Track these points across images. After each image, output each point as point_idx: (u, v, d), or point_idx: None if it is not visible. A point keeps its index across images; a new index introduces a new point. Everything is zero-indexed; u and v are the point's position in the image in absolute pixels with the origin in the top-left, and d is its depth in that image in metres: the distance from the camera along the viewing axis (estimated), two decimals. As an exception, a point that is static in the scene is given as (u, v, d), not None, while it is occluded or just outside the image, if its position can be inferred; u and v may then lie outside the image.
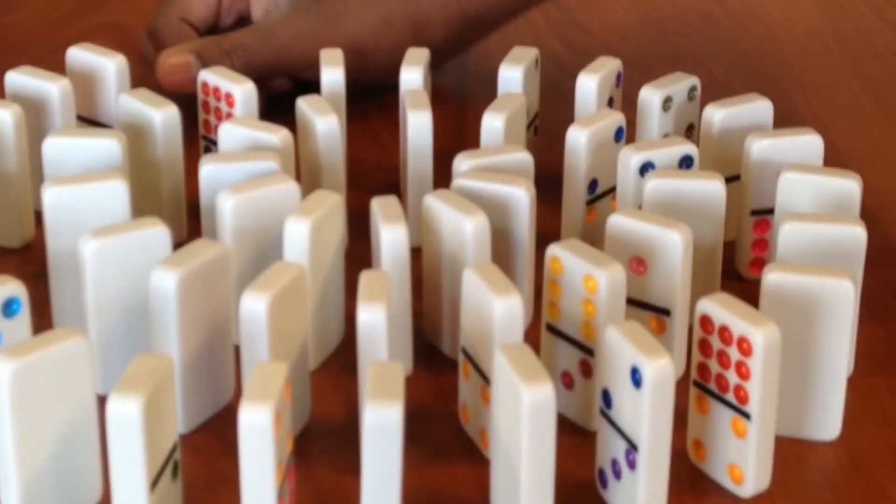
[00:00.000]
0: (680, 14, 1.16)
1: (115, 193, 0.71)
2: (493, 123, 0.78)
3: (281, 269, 0.64)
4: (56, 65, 1.06)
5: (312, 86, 0.87)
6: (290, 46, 0.90)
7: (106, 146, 0.75)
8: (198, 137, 0.86)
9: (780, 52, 1.09)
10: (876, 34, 1.12)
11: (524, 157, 0.75)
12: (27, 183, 0.80)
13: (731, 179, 0.77)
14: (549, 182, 0.81)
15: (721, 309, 0.61)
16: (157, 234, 0.67)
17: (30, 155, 0.80)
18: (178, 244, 0.67)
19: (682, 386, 0.63)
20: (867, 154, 0.93)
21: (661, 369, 0.57)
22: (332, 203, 0.70)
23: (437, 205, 0.69)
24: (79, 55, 0.85)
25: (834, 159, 0.79)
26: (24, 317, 0.63)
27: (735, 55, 1.08)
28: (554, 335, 0.67)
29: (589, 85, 0.82)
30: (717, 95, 0.81)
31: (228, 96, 0.82)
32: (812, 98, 1.01)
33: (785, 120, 0.83)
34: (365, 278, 0.63)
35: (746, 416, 0.61)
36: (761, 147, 0.75)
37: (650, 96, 0.81)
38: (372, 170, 0.89)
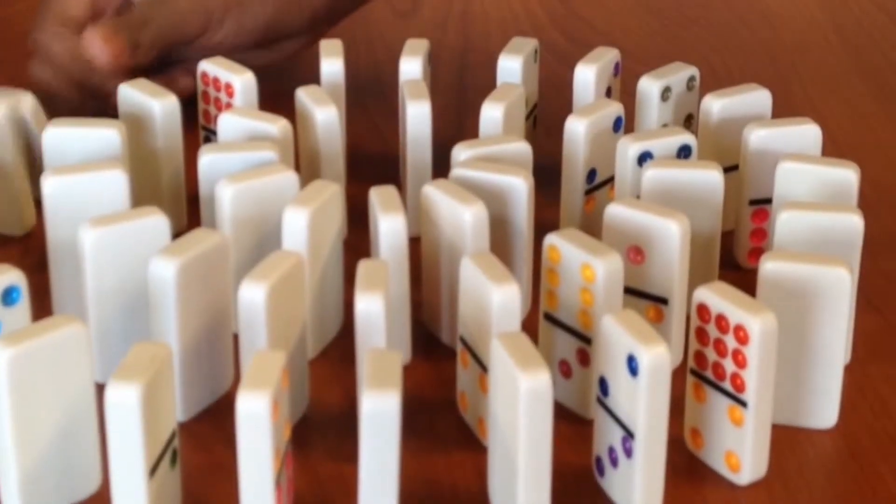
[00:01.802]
0: (679, 4, 1.16)
1: (115, 183, 0.71)
2: (491, 113, 0.78)
3: (279, 258, 0.64)
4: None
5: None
6: (187, 12, 0.90)
7: (105, 136, 0.75)
8: (197, 127, 0.86)
9: (778, 42, 1.09)
10: (875, 25, 1.12)
11: (523, 147, 0.75)
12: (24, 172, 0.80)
13: (729, 169, 0.77)
14: (547, 172, 0.81)
15: (718, 297, 0.61)
16: (156, 223, 0.67)
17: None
18: (177, 233, 0.68)
19: (679, 374, 0.64)
20: (865, 144, 0.93)
21: (657, 357, 0.57)
22: (330, 192, 0.70)
23: (436, 194, 0.70)
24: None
25: (832, 149, 0.79)
26: (23, 305, 0.63)
27: (734, 45, 1.08)
28: (552, 324, 0.67)
29: (587, 75, 0.82)
30: (716, 86, 0.82)
31: (228, 86, 0.82)
32: (810, 89, 1.01)
33: (783, 110, 0.83)
34: (363, 267, 0.63)
35: (743, 404, 0.61)
36: (759, 137, 0.76)
37: (649, 86, 0.81)
38: (371, 159, 0.89)
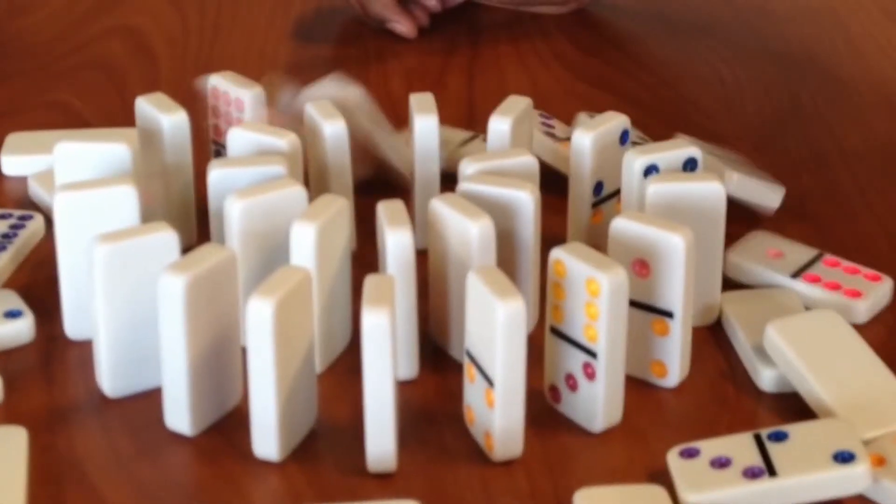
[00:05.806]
0: (688, 13, 1.16)
1: (125, 198, 0.72)
2: (499, 127, 0.78)
3: (287, 272, 0.65)
4: (69, 67, 1.07)
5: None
6: None
7: (116, 151, 0.76)
8: (208, 142, 0.87)
9: (786, 50, 1.09)
10: (884, 34, 1.12)
11: (529, 161, 0.75)
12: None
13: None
14: (555, 184, 0.81)
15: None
16: (165, 238, 0.68)
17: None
18: (186, 248, 0.68)
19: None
20: (873, 153, 0.93)
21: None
22: (338, 207, 0.70)
23: (443, 208, 0.70)
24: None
25: (839, 159, 0.80)
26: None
27: (743, 55, 1.08)
28: (558, 337, 0.67)
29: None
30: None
31: (237, 101, 0.82)
32: (818, 97, 1.01)
33: (792, 119, 0.83)
34: (370, 282, 0.64)
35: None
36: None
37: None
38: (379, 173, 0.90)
